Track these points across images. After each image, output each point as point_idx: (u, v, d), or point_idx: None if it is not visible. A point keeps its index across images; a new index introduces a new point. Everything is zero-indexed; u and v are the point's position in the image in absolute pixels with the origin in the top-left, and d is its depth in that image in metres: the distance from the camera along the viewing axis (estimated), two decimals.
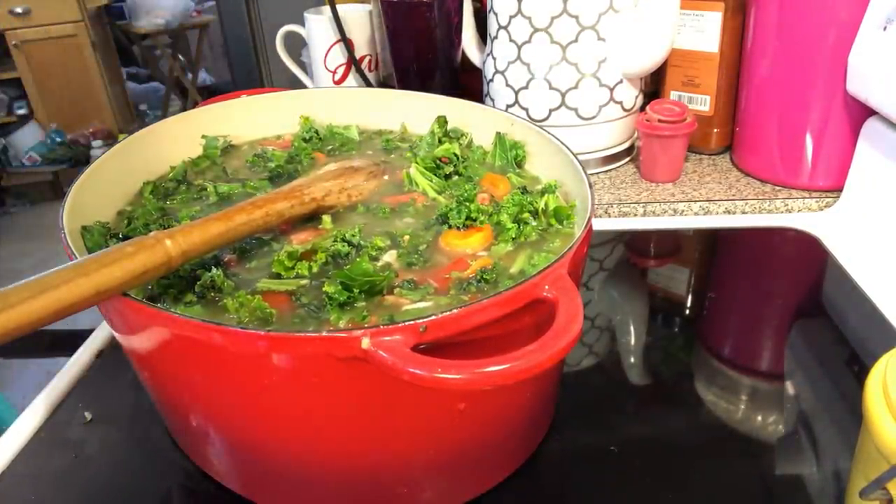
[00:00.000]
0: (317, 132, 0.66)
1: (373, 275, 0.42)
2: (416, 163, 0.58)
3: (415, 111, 0.67)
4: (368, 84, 1.03)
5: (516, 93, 0.84)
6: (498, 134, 0.61)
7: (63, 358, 0.60)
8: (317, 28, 1.00)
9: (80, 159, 3.22)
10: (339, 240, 0.47)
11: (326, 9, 0.99)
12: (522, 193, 0.53)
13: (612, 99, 0.82)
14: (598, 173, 0.87)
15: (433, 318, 0.34)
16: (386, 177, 0.59)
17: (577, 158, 0.52)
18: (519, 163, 0.60)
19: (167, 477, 0.49)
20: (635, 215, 0.80)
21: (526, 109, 0.84)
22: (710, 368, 0.58)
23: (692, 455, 0.49)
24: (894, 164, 0.69)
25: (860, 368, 0.56)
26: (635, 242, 0.78)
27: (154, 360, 0.42)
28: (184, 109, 2.89)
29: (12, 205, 3.33)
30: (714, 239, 0.79)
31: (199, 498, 0.48)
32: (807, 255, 0.73)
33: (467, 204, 0.50)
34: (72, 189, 0.48)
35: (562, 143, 0.55)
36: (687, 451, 0.50)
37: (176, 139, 0.61)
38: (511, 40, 0.82)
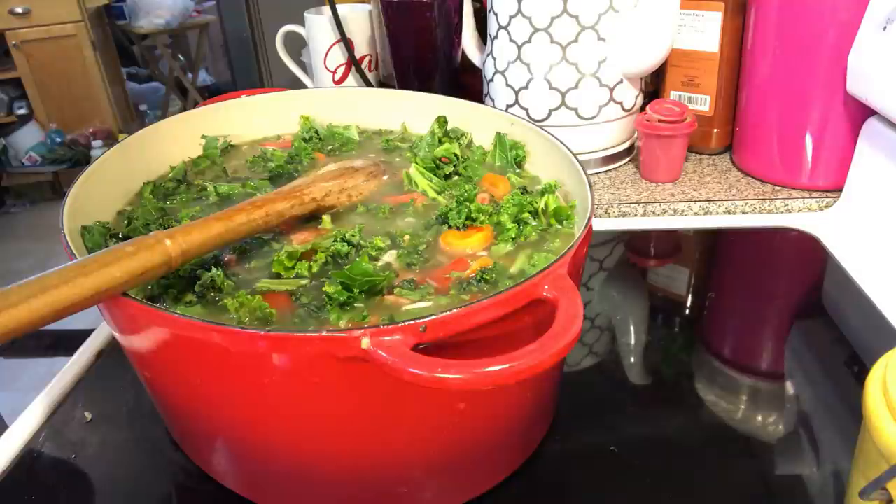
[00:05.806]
0: (317, 132, 0.66)
1: (373, 275, 0.42)
2: (416, 163, 0.58)
3: (415, 111, 0.67)
4: (368, 84, 1.03)
5: (516, 93, 0.84)
6: (498, 134, 0.61)
7: (63, 358, 0.60)
8: (317, 28, 1.00)
9: (80, 159, 3.22)
10: (339, 240, 0.47)
11: (326, 9, 0.99)
12: (522, 193, 0.53)
13: (612, 99, 0.82)
14: (598, 173, 0.87)
15: (433, 318, 0.34)
16: (386, 177, 0.59)
17: (577, 158, 0.52)
18: (519, 163, 0.60)
19: (167, 477, 0.49)
20: (635, 215, 0.80)
21: (526, 109, 0.84)
22: (710, 368, 0.58)
23: (692, 455, 0.49)
24: (894, 164, 0.69)
25: (860, 368, 0.56)
26: (635, 242, 0.78)
27: (154, 361, 0.42)
28: (184, 109, 2.89)
29: (12, 205, 3.33)
30: (714, 239, 0.79)
31: (199, 498, 0.48)
32: (807, 255, 0.73)
33: (467, 204, 0.50)
34: (72, 189, 0.48)
35: (562, 143, 0.55)
36: (687, 451, 0.50)
37: (176, 139, 0.61)
38: (511, 40, 0.82)
